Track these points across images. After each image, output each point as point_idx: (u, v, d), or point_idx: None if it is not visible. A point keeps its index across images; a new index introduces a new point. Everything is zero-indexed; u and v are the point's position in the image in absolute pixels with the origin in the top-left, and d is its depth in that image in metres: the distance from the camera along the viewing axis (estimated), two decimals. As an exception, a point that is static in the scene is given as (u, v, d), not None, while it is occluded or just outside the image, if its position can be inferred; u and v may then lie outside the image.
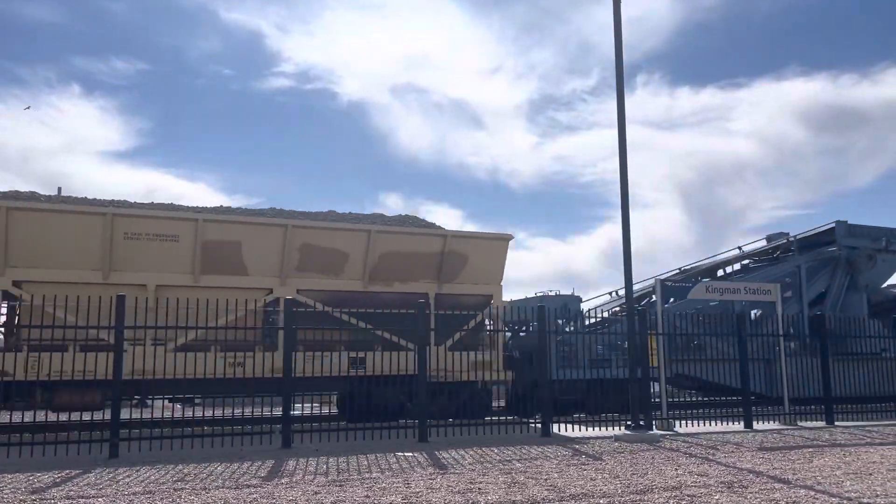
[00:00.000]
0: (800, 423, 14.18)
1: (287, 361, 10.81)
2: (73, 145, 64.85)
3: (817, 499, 6.70)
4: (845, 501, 6.61)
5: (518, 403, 15.22)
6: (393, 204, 78.79)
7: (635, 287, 18.85)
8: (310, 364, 12.64)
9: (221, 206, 14.69)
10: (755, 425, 13.61)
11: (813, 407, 14.99)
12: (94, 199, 13.64)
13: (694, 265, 21.83)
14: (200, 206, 14.38)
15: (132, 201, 13.89)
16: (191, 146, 74.88)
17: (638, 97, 72.73)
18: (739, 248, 21.85)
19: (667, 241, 67.05)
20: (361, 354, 13.22)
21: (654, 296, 16.99)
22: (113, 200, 13.69)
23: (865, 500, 6.64)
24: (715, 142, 69.29)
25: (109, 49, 66.32)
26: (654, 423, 12.52)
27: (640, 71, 78.10)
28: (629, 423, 11.94)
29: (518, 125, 73.92)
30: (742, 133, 68.35)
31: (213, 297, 11.43)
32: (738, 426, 13.49)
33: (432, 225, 15.75)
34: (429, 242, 14.74)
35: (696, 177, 75.36)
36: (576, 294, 18.60)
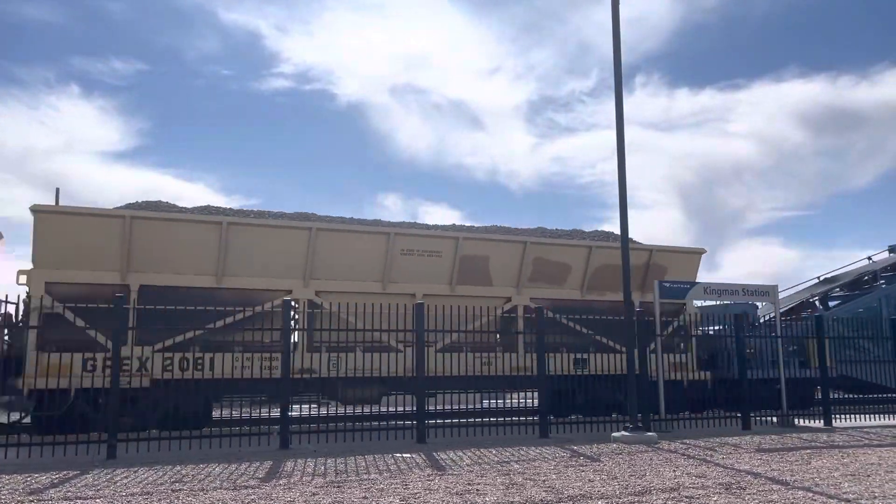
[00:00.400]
0: (798, 425, 14.20)
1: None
2: (72, 145, 64.79)
3: (815, 500, 6.71)
4: (843, 503, 6.61)
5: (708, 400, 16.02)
6: (392, 205, 78.69)
7: (790, 293, 22.65)
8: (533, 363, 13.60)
9: (471, 225, 16.86)
10: (753, 427, 13.63)
11: (811, 408, 15.00)
12: (377, 221, 15.70)
13: (833, 274, 23.49)
14: (456, 224, 16.70)
15: (406, 222, 16.11)
16: (190, 146, 74.83)
17: (636, 98, 72.77)
18: (869, 258, 23.59)
19: (665, 241, 66.93)
20: (585, 355, 14.68)
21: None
22: (389, 221, 15.83)
23: (864, 502, 6.65)
24: (714, 143, 69.34)
25: (108, 49, 66.30)
26: (651, 424, 12.53)
27: (639, 72, 78.15)
28: (627, 424, 11.94)
29: (517, 126, 73.96)
30: (741, 134, 68.39)
31: (465, 305, 13.04)
32: (737, 427, 13.50)
33: (632, 240, 16.93)
34: (636, 256, 16.10)
35: (694, 178, 75.39)
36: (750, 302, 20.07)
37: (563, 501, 6.62)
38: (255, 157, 72.66)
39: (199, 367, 12.16)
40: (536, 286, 15.55)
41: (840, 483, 7.64)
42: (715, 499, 6.72)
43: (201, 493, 7.00)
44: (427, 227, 15.94)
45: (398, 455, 9.68)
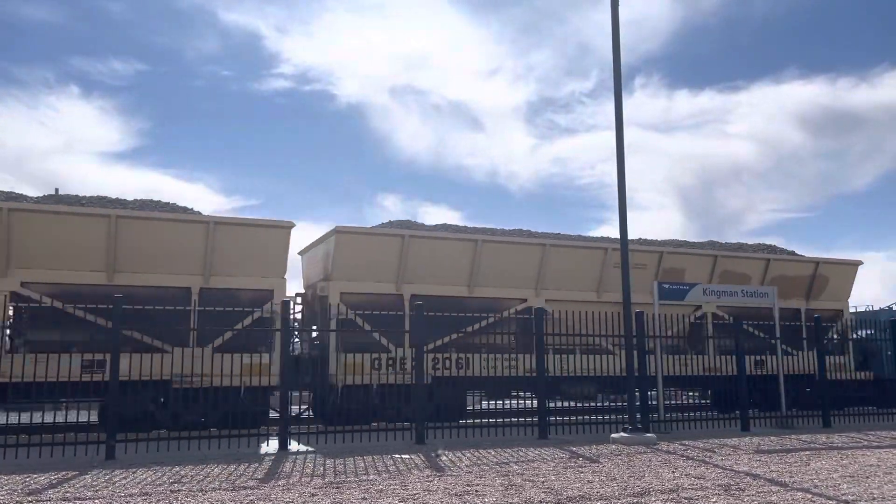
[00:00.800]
0: (796, 427, 14.20)
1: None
2: (71, 146, 64.79)
3: (814, 501, 6.71)
4: (842, 504, 6.62)
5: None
6: (391, 205, 78.70)
7: None
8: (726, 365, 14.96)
9: (672, 239, 18.99)
10: (752, 428, 13.63)
11: (810, 411, 15.01)
12: (589, 237, 17.79)
13: None
14: (659, 239, 18.81)
15: (611, 237, 17.82)
16: (189, 147, 74.81)
17: (636, 99, 72.83)
18: None
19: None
20: (762, 357, 16.36)
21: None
22: (605, 237, 17.80)
23: (863, 503, 6.66)
24: (713, 144, 69.36)
25: (108, 50, 66.31)
26: (650, 425, 12.52)
27: (639, 73, 78.21)
28: (626, 425, 11.94)
29: (516, 127, 74.01)
30: (740, 136, 68.40)
31: (665, 313, 14.78)
32: (736, 429, 13.50)
33: (794, 252, 19.71)
34: (803, 268, 18.71)
35: (694, 179, 75.46)
36: None
37: (563, 502, 6.62)
38: (255, 158, 72.68)
39: (460, 366, 14.05)
40: None
41: (839, 484, 7.64)
42: (714, 500, 6.72)
43: (200, 494, 7.00)
44: (637, 241, 17.87)
45: (397, 456, 9.68)
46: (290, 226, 13.74)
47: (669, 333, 14.50)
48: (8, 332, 11.85)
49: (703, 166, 71.58)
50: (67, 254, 12.23)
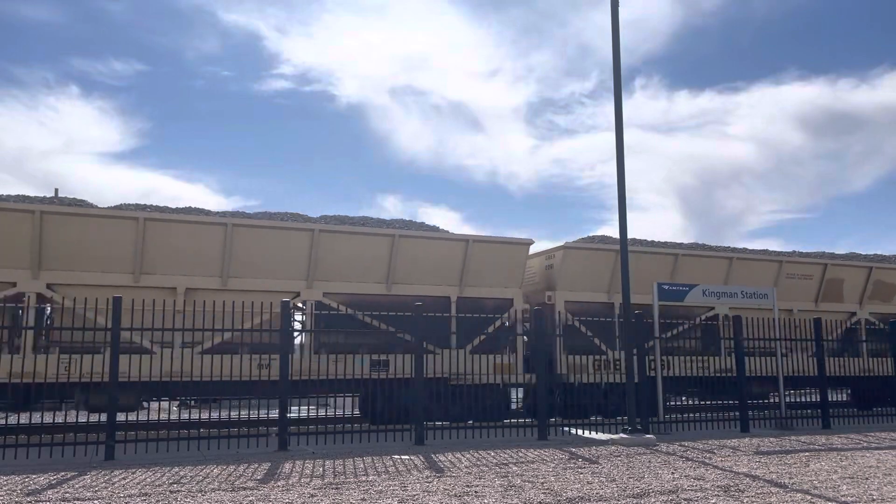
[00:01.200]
0: (796, 428, 14.20)
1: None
2: (71, 146, 64.82)
3: (814, 502, 6.71)
4: (841, 506, 6.61)
5: None
6: (391, 206, 78.77)
7: None
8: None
9: (832, 252, 20.47)
10: (752, 429, 13.63)
11: (809, 411, 15.01)
12: (761, 250, 19.14)
13: None
14: (824, 252, 20.25)
15: (788, 251, 19.60)
16: (189, 147, 74.86)
17: (636, 100, 72.90)
18: None
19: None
20: None
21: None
22: (776, 251, 19.34)
23: (862, 505, 6.65)
24: (713, 145, 69.49)
25: (108, 50, 66.33)
26: (650, 426, 12.52)
27: (639, 74, 78.31)
28: (626, 426, 11.94)
29: (516, 128, 74.08)
30: (740, 137, 68.52)
31: (828, 318, 16.29)
32: (735, 430, 13.50)
33: None
34: None
35: (693, 180, 75.61)
36: None
37: (562, 503, 6.62)
38: (255, 159, 72.74)
39: (662, 367, 15.08)
40: (872, 303, 19.46)
41: (838, 485, 7.64)
42: (713, 501, 6.72)
43: (199, 495, 7.00)
44: (802, 254, 19.67)
45: (397, 457, 9.68)
46: (529, 243, 15.62)
47: (831, 337, 15.92)
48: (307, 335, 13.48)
49: (703, 167, 71.73)
50: (357, 268, 14.09)
